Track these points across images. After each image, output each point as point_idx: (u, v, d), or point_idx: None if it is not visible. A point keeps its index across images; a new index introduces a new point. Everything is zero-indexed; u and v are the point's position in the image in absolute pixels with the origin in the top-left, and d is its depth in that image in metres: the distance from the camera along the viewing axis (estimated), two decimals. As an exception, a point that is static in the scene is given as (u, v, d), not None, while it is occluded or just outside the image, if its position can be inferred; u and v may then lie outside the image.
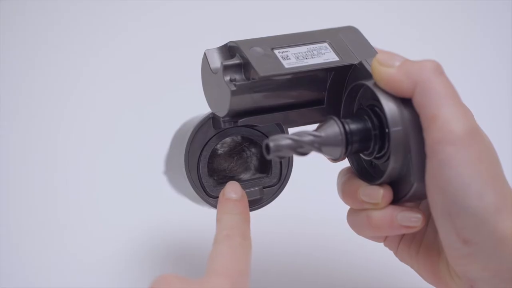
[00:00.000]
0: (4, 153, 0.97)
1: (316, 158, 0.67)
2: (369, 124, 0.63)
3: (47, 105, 1.04)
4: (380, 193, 0.63)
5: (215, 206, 0.68)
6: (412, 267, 0.67)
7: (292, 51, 0.65)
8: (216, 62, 0.66)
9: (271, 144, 0.60)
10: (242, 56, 0.64)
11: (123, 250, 0.84)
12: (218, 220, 0.65)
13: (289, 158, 0.70)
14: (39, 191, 0.92)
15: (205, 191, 0.69)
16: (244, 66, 0.64)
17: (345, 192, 0.66)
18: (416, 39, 1.12)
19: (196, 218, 0.86)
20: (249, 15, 1.16)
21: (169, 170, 0.79)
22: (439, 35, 1.14)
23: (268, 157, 0.60)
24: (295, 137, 0.61)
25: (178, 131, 0.75)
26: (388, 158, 0.62)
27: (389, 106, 0.61)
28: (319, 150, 0.62)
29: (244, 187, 0.68)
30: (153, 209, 0.90)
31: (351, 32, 0.68)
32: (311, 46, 0.66)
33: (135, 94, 1.06)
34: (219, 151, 0.70)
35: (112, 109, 1.03)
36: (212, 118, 0.68)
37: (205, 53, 0.66)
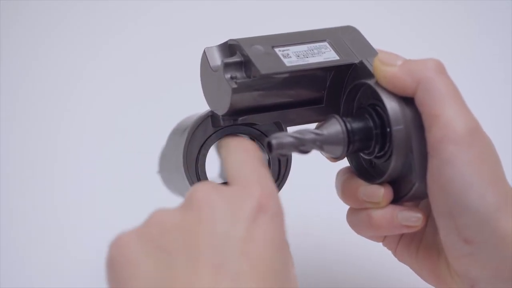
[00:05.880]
0: (4, 152, 0.96)
1: (315, 157, 0.66)
2: (371, 123, 0.63)
3: (46, 104, 1.04)
4: (381, 192, 0.63)
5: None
6: (411, 267, 0.67)
7: (292, 49, 0.65)
8: (216, 60, 0.65)
9: (274, 142, 0.60)
10: (243, 54, 0.64)
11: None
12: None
13: (287, 156, 0.69)
14: (38, 191, 0.92)
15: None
16: (245, 64, 0.64)
17: (345, 191, 0.66)
18: (416, 39, 1.12)
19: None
20: (249, 14, 1.16)
21: (164, 169, 0.78)
22: (439, 35, 1.14)
23: (270, 155, 0.60)
24: (297, 135, 0.61)
25: (175, 130, 0.75)
26: (389, 158, 0.62)
27: (391, 105, 0.61)
28: (321, 148, 0.62)
29: None
30: (148, 209, 0.89)
31: (350, 32, 0.68)
32: (312, 45, 0.66)
33: (133, 93, 1.05)
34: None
35: (109, 108, 1.03)
36: (211, 116, 0.68)
37: (204, 51, 0.66)
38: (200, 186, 0.56)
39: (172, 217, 0.54)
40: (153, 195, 0.89)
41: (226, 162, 0.60)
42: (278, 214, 0.55)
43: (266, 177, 0.57)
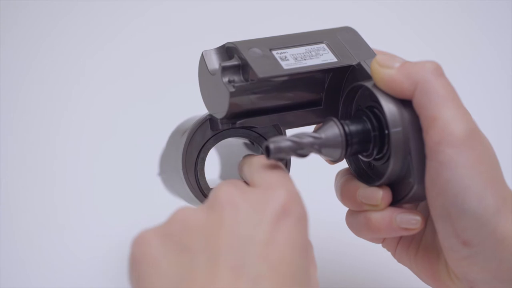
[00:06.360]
0: (3, 152, 0.96)
1: (314, 160, 0.66)
2: (369, 126, 0.62)
3: (46, 104, 1.04)
4: (379, 195, 0.63)
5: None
6: (410, 268, 0.67)
7: (290, 52, 0.65)
8: (214, 63, 0.65)
9: (272, 146, 0.60)
10: (241, 57, 0.64)
11: (120, 251, 0.84)
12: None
13: (287, 160, 0.69)
14: (37, 192, 0.92)
15: (202, 192, 0.69)
16: (243, 67, 0.64)
17: (344, 193, 0.66)
18: (415, 40, 1.12)
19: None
20: (246, 16, 1.16)
21: (165, 171, 0.78)
22: (439, 36, 1.14)
23: (268, 159, 0.60)
24: (295, 139, 0.60)
25: (174, 132, 0.75)
26: (387, 160, 0.62)
27: (388, 107, 0.61)
28: (319, 151, 0.62)
29: None
30: (149, 210, 0.90)
31: (349, 33, 0.68)
32: (309, 47, 0.66)
33: (131, 95, 1.05)
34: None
35: (108, 110, 1.03)
36: (209, 120, 0.68)
37: (202, 54, 0.66)
38: (224, 186, 0.56)
39: (195, 217, 0.54)
40: (154, 195, 0.89)
41: (249, 172, 0.60)
42: (302, 218, 0.55)
43: (290, 182, 0.58)
